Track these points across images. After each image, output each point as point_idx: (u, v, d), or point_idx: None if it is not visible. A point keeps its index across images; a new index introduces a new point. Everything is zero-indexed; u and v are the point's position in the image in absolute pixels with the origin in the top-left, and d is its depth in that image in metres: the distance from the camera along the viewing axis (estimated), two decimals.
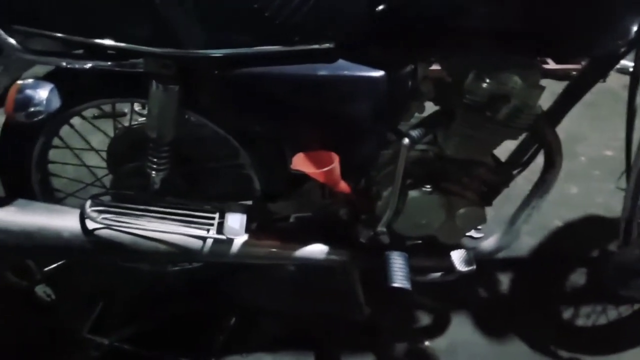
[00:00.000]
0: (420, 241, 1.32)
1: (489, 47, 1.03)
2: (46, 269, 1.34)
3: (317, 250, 1.25)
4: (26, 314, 1.39)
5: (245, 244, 1.20)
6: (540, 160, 1.25)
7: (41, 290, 1.36)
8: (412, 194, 1.19)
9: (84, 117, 1.30)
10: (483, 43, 1.02)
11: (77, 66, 1.00)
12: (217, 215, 1.20)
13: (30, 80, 1.00)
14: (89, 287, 1.46)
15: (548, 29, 1.01)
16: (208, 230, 1.17)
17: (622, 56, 1.16)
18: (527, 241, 1.71)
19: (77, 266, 1.40)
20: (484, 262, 1.33)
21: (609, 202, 1.87)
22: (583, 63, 1.25)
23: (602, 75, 1.21)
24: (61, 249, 1.14)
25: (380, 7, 0.98)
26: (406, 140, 1.10)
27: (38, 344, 1.34)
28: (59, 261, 1.32)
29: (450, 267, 1.26)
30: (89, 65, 1.00)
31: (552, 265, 1.68)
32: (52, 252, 1.17)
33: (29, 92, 0.98)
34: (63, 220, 1.13)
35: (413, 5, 0.98)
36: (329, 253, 1.25)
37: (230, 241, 1.19)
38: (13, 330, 1.36)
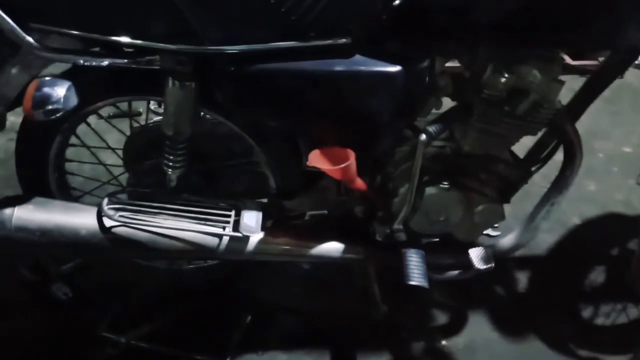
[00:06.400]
0: (437, 239, 1.31)
1: (507, 40, 1.01)
2: (63, 267, 1.34)
3: (332, 247, 1.24)
4: (43, 312, 1.40)
5: (261, 241, 1.20)
6: (557, 157, 1.24)
7: (58, 288, 1.36)
8: (429, 190, 1.18)
9: (100, 116, 1.30)
10: (501, 36, 1.00)
11: (94, 63, 1.00)
12: (233, 213, 1.20)
13: (48, 78, 1.00)
14: (105, 285, 1.46)
15: (568, 21, 0.99)
16: (224, 228, 1.17)
17: None
18: (545, 239, 1.69)
19: (94, 264, 1.40)
20: (501, 260, 1.32)
21: (628, 198, 1.84)
22: (600, 59, 1.23)
23: (622, 70, 1.19)
24: (78, 247, 1.15)
25: (397, 2, 0.97)
26: (423, 136, 1.09)
27: (55, 343, 1.35)
28: (76, 259, 1.33)
29: (468, 264, 1.25)
30: (105, 62, 1.00)
31: (571, 263, 1.66)
32: (70, 249, 1.17)
33: (46, 89, 0.98)
34: (80, 218, 1.13)
35: None
36: (344, 251, 1.25)
37: (246, 239, 1.18)
38: (30, 329, 1.37)
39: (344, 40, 0.99)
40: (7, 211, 1.10)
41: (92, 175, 1.48)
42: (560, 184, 1.23)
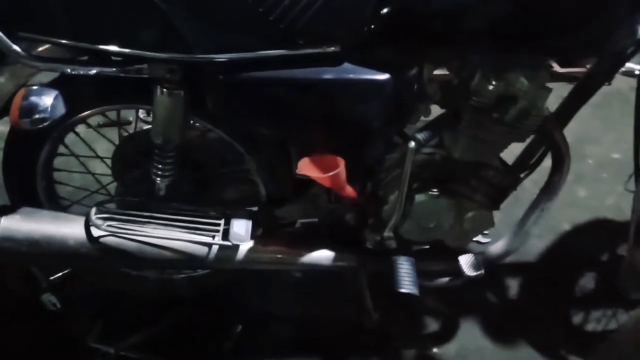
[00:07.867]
0: (427, 246, 1.31)
1: (495, 48, 1.02)
2: (52, 277, 1.33)
3: (323, 255, 1.24)
4: (32, 323, 1.38)
5: (250, 250, 1.19)
6: (547, 162, 1.24)
7: (47, 299, 1.35)
8: (419, 197, 1.18)
9: (89, 125, 1.30)
10: (490, 44, 1.01)
11: (82, 72, 1.00)
12: (222, 222, 1.19)
13: (35, 87, 1.00)
14: (94, 295, 1.45)
15: (556, 29, 1.00)
16: (213, 237, 1.16)
17: (629, 57, 1.15)
18: (535, 244, 1.69)
19: (83, 274, 1.39)
20: (492, 266, 1.32)
21: (618, 204, 1.85)
22: (588, 66, 1.24)
23: (609, 76, 1.21)
24: (67, 257, 1.14)
25: (386, 10, 0.97)
26: (412, 144, 1.09)
27: (43, 354, 1.34)
28: (64, 269, 1.31)
29: (458, 271, 1.25)
30: (93, 71, 1.00)
31: (562, 269, 1.67)
32: (58, 260, 1.17)
33: (34, 98, 0.98)
34: (68, 228, 1.12)
35: (419, 6, 0.98)
36: (335, 258, 1.24)
37: (235, 247, 1.18)
38: (18, 340, 1.36)
39: (332, 48, 0.99)
40: None
41: (80, 185, 1.47)
42: (549, 189, 1.24)
